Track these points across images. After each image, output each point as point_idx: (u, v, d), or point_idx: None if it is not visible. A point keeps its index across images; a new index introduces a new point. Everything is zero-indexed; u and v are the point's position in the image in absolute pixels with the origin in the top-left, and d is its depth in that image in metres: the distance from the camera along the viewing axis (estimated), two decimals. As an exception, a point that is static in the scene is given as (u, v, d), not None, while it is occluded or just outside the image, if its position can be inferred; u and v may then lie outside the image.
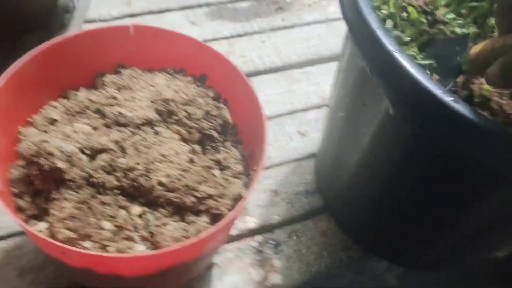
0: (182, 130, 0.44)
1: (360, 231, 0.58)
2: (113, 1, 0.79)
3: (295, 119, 0.70)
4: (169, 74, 0.48)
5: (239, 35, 0.79)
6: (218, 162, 0.44)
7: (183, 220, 0.40)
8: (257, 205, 0.61)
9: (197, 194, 0.40)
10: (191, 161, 0.41)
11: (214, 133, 0.44)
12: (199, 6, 0.82)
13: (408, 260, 0.58)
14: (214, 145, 0.45)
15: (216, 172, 0.43)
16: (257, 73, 0.75)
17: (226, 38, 0.78)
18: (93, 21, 0.75)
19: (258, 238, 0.58)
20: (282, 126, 0.69)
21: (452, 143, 0.35)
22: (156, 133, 0.43)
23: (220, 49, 0.75)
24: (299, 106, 0.72)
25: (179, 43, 0.47)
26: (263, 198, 0.62)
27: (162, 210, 0.39)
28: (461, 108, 0.33)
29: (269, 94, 0.72)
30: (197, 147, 0.43)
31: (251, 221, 0.59)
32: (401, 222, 0.52)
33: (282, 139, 0.68)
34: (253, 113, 0.44)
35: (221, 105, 0.46)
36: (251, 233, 0.59)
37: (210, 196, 0.40)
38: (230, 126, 0.46)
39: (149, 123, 0.43)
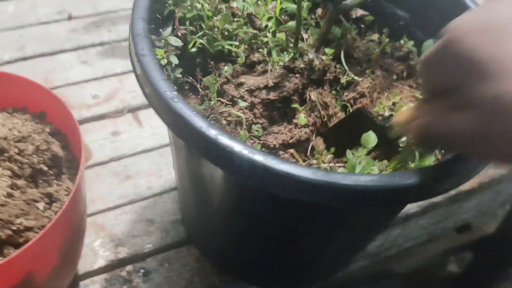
0: (14, 167, 0.45)
1: (224, 261, 0.59)
2: (5, 46, 0.81)
3: (180, 148, 0.72)
4: (9, 113, 0.50)
5: (130, 71, 0.81)
6: (48, 195, 0.45)
7: (1, 253, 0.41)
8: (131, 235, 0.62)
9: (14, 227, 0.41)
10: (10, 195, 0.43)
11: (44, 167, 0.46)
12: (93, 45, 0.84)
13: (271, 282, 0.59)
14: (46, 178, 0.46)
15: (41, 204, 0.44)
16: (146, 106, 0.77)
17: (117, 75, 0.80)
18: (-17, 66, 0.77)
19: (129, 267, 0.59)
20: (165, 157, 0.71)
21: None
22: (-14, 171, 0.45)
23: (110, 85, 0.78)
24: (185, 136, 0.74)
25: (15, 84, 0.49)
26: (139, 228, 0.63)
27: (-23, 245, 0.41)
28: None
29: (155, 126, 0.74)
30: (22, 182, 0.44)
31: (122, 252, 0.60)
32: (256, 252, 0.53)
33: (165, 169, 0.69)
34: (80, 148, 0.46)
35: (52, 140, 0.48)
36: (122, 263, 0.59)
37: (29, 228, 0.42)
38: (63, 160, 0.48)
39: (-23, 161, 0.44)
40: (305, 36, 0.55)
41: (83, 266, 0.58)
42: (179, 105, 0.36)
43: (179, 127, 0.36)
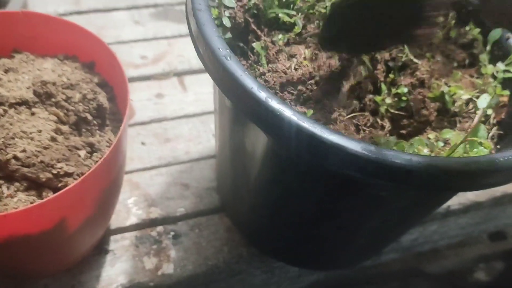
0: (60, 112, 0.45)
1: (253, 234, 0.58)
2: (61, -1, 0.82)
3: (222, 118, 0.71)
4: (60, 60, 0.50)
5: (180, 36, 0.81)
6: (90, 145, 0.45)
7: (39, 195, 0.41)
8: (165, 197, 0.62)
9: (54, 171, 0.41)
10: (54, 139, 0.43)
11: (89, 116, 0.46)
12: (146, 7, 0.84)
13: (299, 261, 0.58)
14: (89, 128, 0.46)
15: (82, 152, 0.44)
16: (192, 72, 0.76)
17: (167, 38, 0.80)
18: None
19: (160, 228, 0.59)
20: (206, 124, 0.70)
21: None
22: (33, 113, 0.45)
23: (159, 48, 0.77)
24: (228, 105, 0.73)
25: (69, 31, 0.49)
26: (173, 191, 0.63)
27: (17, 184, 0.41)
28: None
29: (199, 92, 0.74)
30: (65, 128, 0.44)
31: (155, 212, 0.60)
32: (287, 227, 0.52)
33: (205, 136, 0.69)
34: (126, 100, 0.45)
35: (99, 90, 0.47)
36: (153, 223, 0.60)
37: (68, 174, 0.42)
38: (107, 111, 0.48)
39: (25, 103, 0.45)
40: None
41: (115, 221, 0.59)
42: (231, 63, 0.35)
43: (228, 86, 0.35)
